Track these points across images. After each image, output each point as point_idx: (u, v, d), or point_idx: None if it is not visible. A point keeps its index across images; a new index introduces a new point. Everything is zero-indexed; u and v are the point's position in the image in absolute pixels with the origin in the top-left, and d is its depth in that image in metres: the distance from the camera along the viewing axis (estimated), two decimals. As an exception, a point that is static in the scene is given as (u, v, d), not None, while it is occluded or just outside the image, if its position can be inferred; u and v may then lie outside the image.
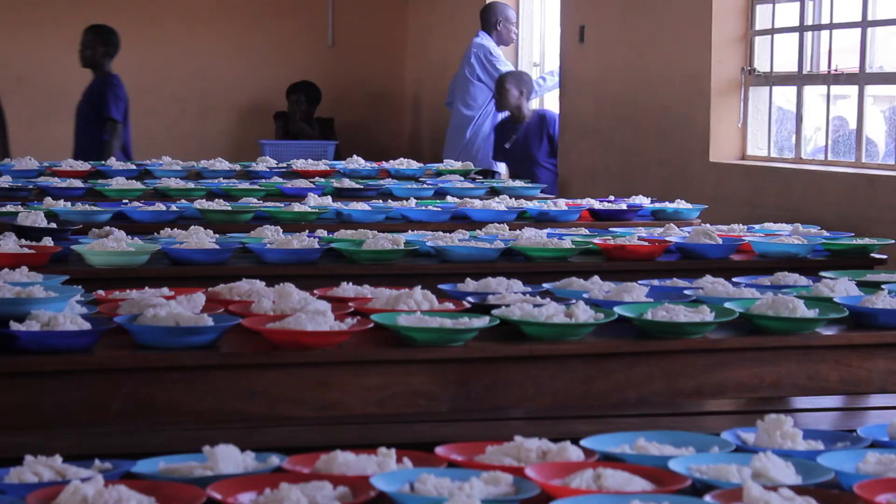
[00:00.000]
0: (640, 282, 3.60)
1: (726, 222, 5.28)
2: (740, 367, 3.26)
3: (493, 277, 3.67)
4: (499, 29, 9.06)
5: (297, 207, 5.35)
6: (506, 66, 8.99)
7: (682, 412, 2.94)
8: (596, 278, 3.69)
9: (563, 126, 8.51)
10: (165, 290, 3.40)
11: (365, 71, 10.25)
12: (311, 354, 3.01)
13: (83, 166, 7.02)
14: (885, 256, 4.70)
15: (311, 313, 3.04)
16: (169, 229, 4.65)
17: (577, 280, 3.71)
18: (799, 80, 6.60)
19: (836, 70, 6.43)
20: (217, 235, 4.51)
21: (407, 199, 5.81)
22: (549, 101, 9.66)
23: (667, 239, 4.69)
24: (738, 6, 6.85)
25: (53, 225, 4.65)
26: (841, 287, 3.59)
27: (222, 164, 7.29)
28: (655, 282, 3.81)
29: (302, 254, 4.29)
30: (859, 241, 4.74)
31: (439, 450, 2.20)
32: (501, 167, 9.08)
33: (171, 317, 2.99)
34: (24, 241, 4.23)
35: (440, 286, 3.61)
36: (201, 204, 5.34)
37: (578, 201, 5.88)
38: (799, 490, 1.97)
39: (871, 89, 6.16)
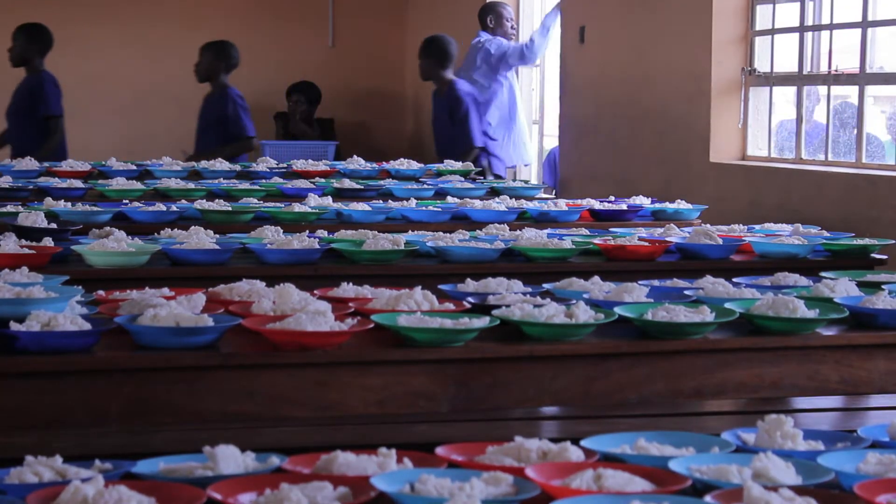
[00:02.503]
0: (640, 282, 3.59)
1: (726, 222, 5.28)
2: (741, 367, 3.26)
3: (494, 278, 3.66)
4: (497, 26, 9.05)
5: (297, 208, 5.34)
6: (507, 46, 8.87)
7: (683, 412, 2.94)
8: (596, 278, 3.69)
9: (563, 126, 8.51)
10: (166, 291, 3.40)
11: (365, 71, 10.25)
12: (312, 355, 3.00)
13: (83, 166, 7.01)
14: (885, 257, 4.69)
15: (312, 314, 3.04)
16: (169, 230, 4.65)
17: (578, 280, 3.70)
18: (799, 80, 6.60)
19: (836, 70, 6.43)
20: (217, 236, 4.51)
21: (407, 199, 5.80)
22: (549, 100, 9.66)
23: (667, 239, 4.68)
24: (738, 6, 6.85)
25: (54, 225, 4.65)
26: (841, 287, 3.58)
27: (222, 165, 7.28)
28: (656, 282, 3.81)
29: (302, 254, 4.28)
30: (859, 242, 4.74)
31: (439, 450, 2.20)
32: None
33: (171, 317, 2.99)
34: (24, 242, 4.23)
35: (440, 286, 3.60)
36: (201, 204, 5.34)
37: (578, 201, 5.87)
38: (799, 490, 1.97)
39: (871, 89, 6.16)
